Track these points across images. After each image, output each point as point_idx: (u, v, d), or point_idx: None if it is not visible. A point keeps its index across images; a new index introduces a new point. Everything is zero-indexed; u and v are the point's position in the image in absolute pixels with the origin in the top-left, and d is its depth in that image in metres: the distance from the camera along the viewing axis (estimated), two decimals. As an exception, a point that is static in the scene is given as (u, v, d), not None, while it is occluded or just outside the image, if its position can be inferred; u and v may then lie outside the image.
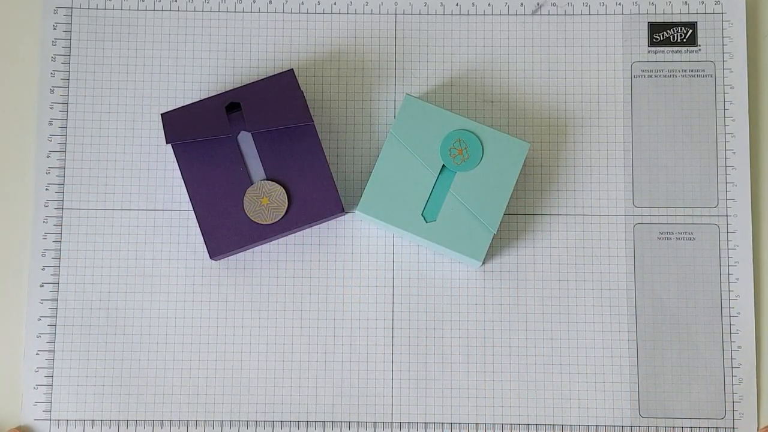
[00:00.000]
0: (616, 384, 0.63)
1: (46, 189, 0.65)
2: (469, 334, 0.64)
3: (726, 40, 0.67)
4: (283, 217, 0.62)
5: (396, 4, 0.67)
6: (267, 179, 0.62)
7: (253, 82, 0.63)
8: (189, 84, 0.66)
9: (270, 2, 0.67)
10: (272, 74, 0.64)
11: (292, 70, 0.63)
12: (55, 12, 0.67)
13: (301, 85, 0.64)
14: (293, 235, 0.65)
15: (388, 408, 0.63)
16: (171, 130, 0.61)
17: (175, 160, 0.62)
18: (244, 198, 0.60)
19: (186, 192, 0.63)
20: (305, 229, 0.64)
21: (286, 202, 0.62)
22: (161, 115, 0.62)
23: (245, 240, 0.62)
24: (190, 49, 0.67)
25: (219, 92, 0.63)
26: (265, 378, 0.64)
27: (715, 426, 0.63)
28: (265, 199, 0.59)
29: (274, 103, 0.62)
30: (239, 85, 0.64)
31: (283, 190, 0.62)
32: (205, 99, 0.63)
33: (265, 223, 0.61)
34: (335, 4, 0.67)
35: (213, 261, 0.64)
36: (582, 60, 0.67)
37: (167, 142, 0.61)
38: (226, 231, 0.62)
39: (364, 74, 0.67)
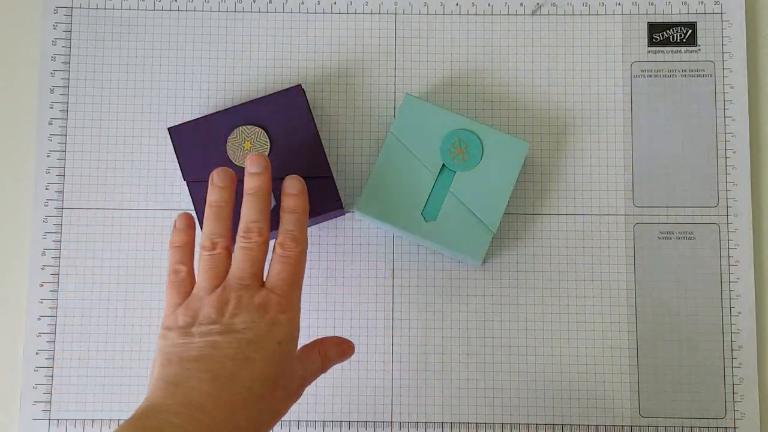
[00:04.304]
0: (616, 384, 0.63)
1: (46, 189, 0.65)
2: (469, 334, 0.64)
3: (726, 40, 0.67)
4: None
5: (396, 4, 0.67)
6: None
7: (260, 98, 0.63)
8: (189, 84, 0.66)
9: (270, 2, 0.67)
10: (280, 89, 0.64)
11: (300, 85, 0.63)
12: (55, 12, 0.67)
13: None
14: (293, 234, 0.65)
15: (388, 408, 0.63)
16: (186, 164, 0.62)
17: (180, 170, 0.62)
18: (227, 145, 0.60)
19: (186, 192, 0.62)
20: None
21: (268, 142, 0.61)
22: (168, 129, 0.62)
23: None
24: (190, 49, 0.67)
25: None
26: (264, 378, 0.63)
27: (715, 426, 0.63)
28: (247, 144, 0.59)
29: (283, 124, 0.62)
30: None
31: (263, 131, 0.61)
32: (212, 115, 0.62)
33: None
34: (335, 4, 0.67)
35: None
36: (582, 60, 0.67)
37: (185, 179, 0.62)
38: None
39: (364, 74, 0.67)
